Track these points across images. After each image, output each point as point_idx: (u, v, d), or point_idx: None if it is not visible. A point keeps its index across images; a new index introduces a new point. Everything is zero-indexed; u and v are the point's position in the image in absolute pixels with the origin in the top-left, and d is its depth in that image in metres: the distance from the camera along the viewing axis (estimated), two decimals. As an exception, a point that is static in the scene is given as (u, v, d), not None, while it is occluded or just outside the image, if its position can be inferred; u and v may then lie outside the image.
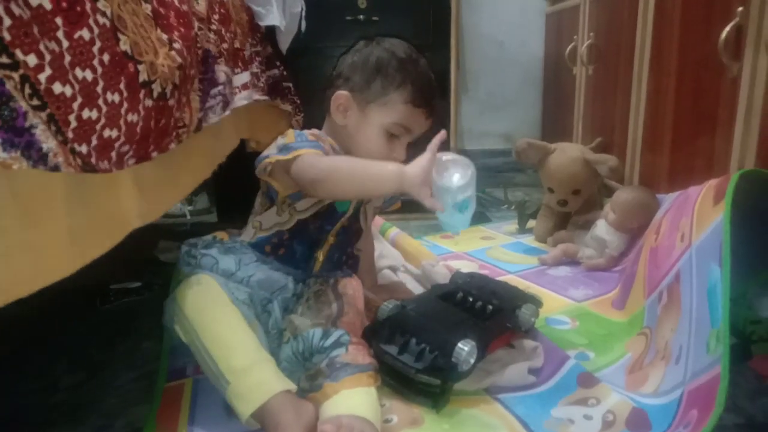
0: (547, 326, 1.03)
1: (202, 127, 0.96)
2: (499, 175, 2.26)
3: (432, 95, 0.89)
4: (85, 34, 0.51)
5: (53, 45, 0.47)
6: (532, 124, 2.39)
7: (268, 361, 0.71)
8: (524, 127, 2.38)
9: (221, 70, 1.07)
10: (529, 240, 1.58)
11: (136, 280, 1.26)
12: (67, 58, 0.49)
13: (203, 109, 0.96)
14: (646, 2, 1.39)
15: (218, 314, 0.73)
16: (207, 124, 0.98)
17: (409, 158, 0.91)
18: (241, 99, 1.25)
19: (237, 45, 1.18)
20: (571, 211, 1.51)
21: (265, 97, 1.48)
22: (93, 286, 1.17)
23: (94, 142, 0.57)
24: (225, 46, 1.08)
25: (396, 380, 0.79)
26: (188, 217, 1.94)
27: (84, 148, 0.54)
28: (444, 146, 0.78)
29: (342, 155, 0.89)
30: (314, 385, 0.72)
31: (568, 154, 1.45)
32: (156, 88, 0.67)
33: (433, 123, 0.92)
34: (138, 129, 0.65)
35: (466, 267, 1.32)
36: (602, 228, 1.34)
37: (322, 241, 0.89)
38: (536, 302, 0.95)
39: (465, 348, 0.76)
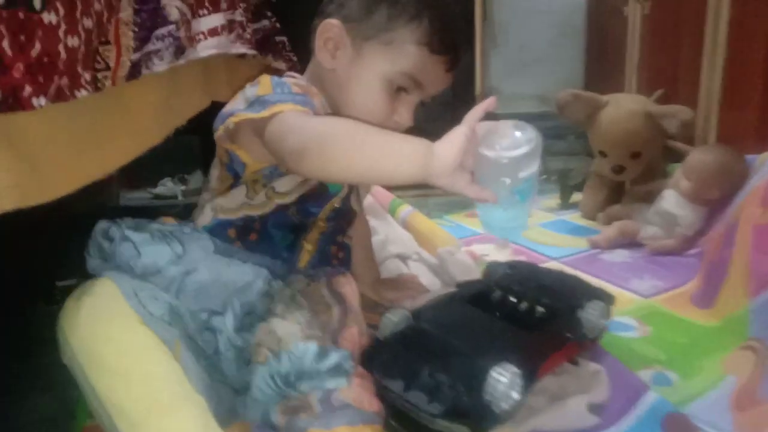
0: (609, 333, 0.77)
1: (141, 73, 0.74)
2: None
3: (457, 38, 0.66)
4: None
5: None
6: (573, 81, 2.09)
7: (187, 403, 0.48)
8: (563, 86, 2.06)
9: (173, 5, 0.83)
10: (574, 217, 1.34)
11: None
12: None
13: (142, 50, 0.74)
14: None
15: (115, 338, 0.50)
16: (150, 71, 0.76)
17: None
18: (207, 47, 1.01)
19: (199, -25, 0.93)
20: (627, 179, 1.24)
21: (252, 51, 1.25)
22: (36, 283, 0.96)
23: None
24: (176, -28, 0.83)
25: (406, 427, 0.56)
26: (180, 198, 1.72)
27: None
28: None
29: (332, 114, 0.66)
30: (293, 426, 0.51)
31: (625, 108, 1.18)
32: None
33: (455, 81, 0.68)
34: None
35: (495, 253, 1.06)
36: (671, 200, 1.09)
37: (309, 227, 0.68)
38: (606, 298, 0.70)
39: (503, 378, 0.52)
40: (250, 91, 0.61)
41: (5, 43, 0.45)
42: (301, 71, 0.79)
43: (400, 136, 0.52)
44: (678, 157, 1.25)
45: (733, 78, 1.13)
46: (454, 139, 0.49)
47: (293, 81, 0.63)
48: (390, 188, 1.19)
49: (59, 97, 0.55)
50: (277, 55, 1.42)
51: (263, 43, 1.34)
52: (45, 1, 0.49)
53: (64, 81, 0.56)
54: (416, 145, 0.50)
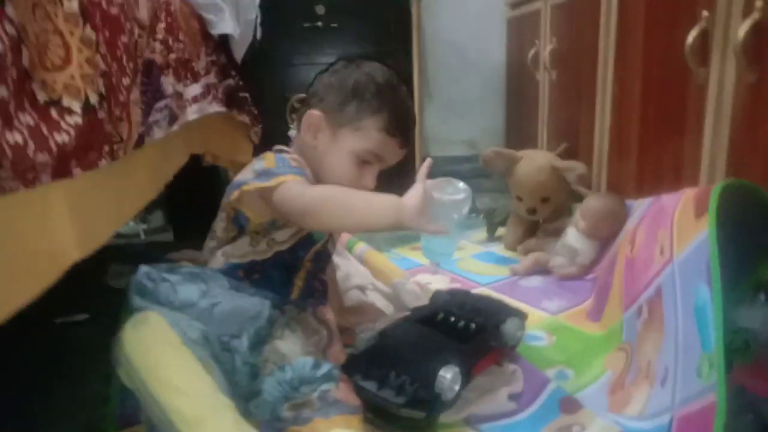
0: (524, 343, 0.99)
1: (144, 142, 0.88)
2: (464, 182, 2.21)
3: (408, 125, 0.87)
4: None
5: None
6: (496, 130, 2.37)
7: (225, 408, 0.64)
8: (488, 133, 2.36)
9: (168, 82, 0.99)
10: (499, 249, 1.55)
11: (83, 310, 1.16)
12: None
13: (146, 123, 0.89)
14: (608, 6, 1.38)
15: (167, 357, 0.65)
16: (151, 139, 0.91)
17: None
18: (192, 113, 1.18)
19: (186, 56, 1.10)
20: (539, 218, 1.49)
21: (223, 109, 1.40)
22: (33, 319, 1.06)
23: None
24: (173, 56, 1.00)
25: (379, 416, 0.74)
26: (142, 236, 1.83)
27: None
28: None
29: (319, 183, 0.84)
30: (300, 418, 0.69)
31: (535, 162, 1.43)
32: (68, 103, 0.58)
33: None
34: (54, 144, 0.56)
35: (437, 281, 1.27)
36: (572, 236, 1.32)
37: (298, 267, 0.85)
38: (521, 315, 0.92)
39: (447, 375, 0.71)
40: (258, 164, 0.79)
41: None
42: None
43: (377, 195, 0.73)
44: (581, 198, 1.51)
45: (617, 136, 1.37)
46: (416, 193, 0.70)
47: (290, 156, 0.82)
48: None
49: (90, 166, 0.68)
50: (241, 110, 1.59)
51: (229, 99, 1.51)
52: (99, 103, 0.64)
53: (93, 155, 0.70)
54: (390, 199, 0.71)
